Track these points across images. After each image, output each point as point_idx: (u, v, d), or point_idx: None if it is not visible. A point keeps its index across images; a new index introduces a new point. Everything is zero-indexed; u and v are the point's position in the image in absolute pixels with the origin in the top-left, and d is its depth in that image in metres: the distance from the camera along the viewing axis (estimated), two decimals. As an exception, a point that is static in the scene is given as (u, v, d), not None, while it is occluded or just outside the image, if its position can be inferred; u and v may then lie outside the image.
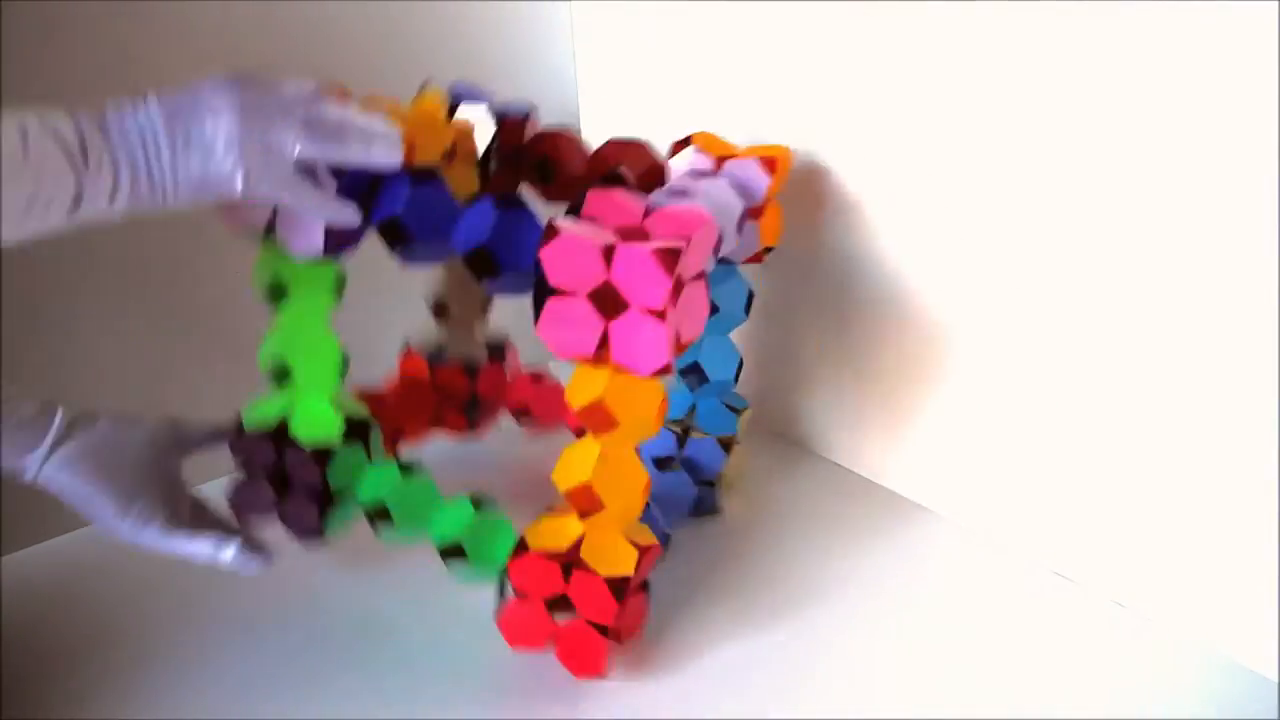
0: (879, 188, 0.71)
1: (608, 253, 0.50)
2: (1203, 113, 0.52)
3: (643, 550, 0.56)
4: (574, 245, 0.50)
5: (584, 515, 0.56)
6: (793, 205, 0.76)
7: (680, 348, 0.52)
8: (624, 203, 0.54)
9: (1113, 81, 0.56)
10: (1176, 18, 0.52)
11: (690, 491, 0.72)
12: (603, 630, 0.56)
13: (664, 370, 0.51)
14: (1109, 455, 0.62)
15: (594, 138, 0.98)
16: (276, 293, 0.60)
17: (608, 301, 0.50)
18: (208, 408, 0.63)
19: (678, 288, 0.50)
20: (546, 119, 0.87)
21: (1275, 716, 0.55)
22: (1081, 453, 0.63)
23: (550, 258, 0.50)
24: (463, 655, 0.62)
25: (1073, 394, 0.62)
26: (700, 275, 0.54)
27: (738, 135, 0.81)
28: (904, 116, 0.67)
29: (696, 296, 0.53)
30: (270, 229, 0.57)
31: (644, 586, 0.59)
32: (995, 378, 0.67)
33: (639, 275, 0.49)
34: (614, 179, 0.67)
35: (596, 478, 0.54)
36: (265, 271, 0.60)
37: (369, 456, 0.63)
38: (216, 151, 0.48)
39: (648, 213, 0.54)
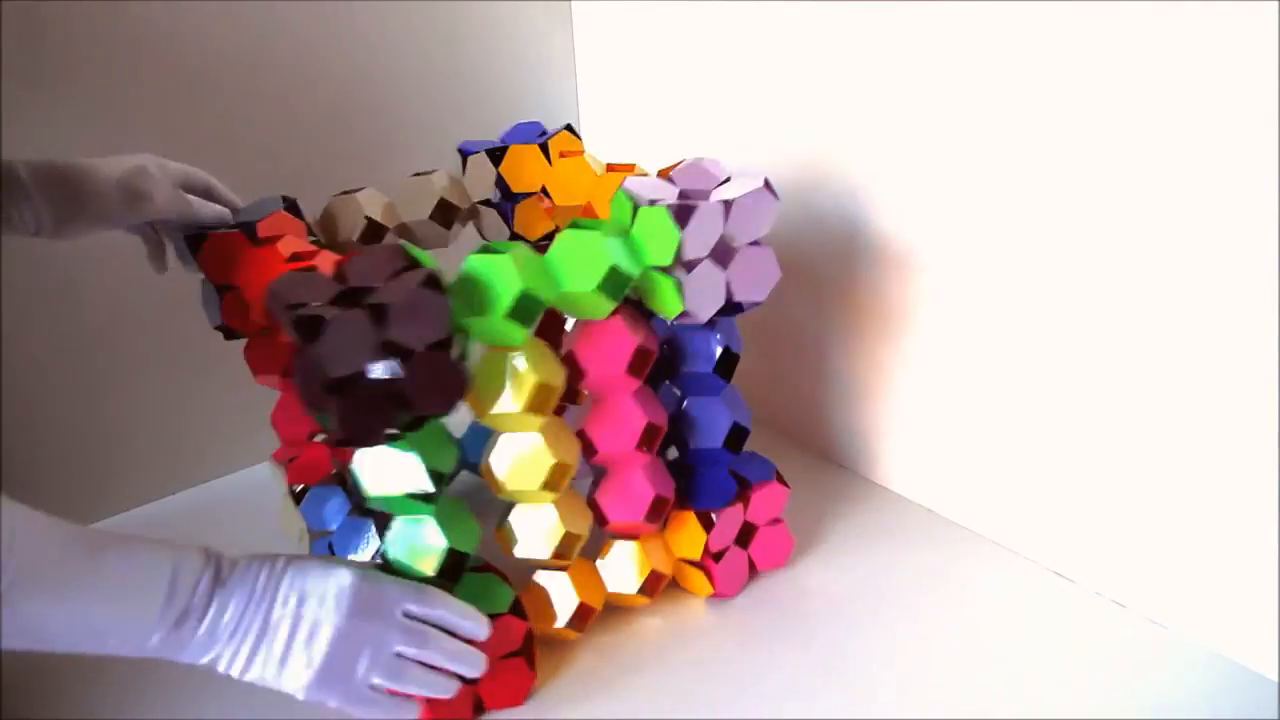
0: (880, 190, 0.71)
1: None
2: (1190, 104, 0.52)
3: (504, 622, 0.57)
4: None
5: None
6: (787, 207, 0.76)
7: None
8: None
9: (1097, 77, 0.56)
10: (1158, 18, 0.52)
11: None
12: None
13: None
14: (1109, 455, 0.62)
15: (594, 138, 0.98)
16: None
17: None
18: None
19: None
20: (547, 119, 0.88)
21: (1275, 717, 0.55)
22: (1082, 453, 0.63)
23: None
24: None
25: (1073, 394, 0.63)
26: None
27: (737, 136, 0.81)
28: (900, 118, 0.67)
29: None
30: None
31: (519, 654, 0.59)
32: (995, 377, 0.67)
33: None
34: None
35: None
36: None
37: None
38: (295, 665, 0.49)
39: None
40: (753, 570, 0.69)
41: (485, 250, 0.53)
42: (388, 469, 0.53)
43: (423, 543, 0.55)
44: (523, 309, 0.52)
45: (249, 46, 0.76)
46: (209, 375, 0.79)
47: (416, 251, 0.51)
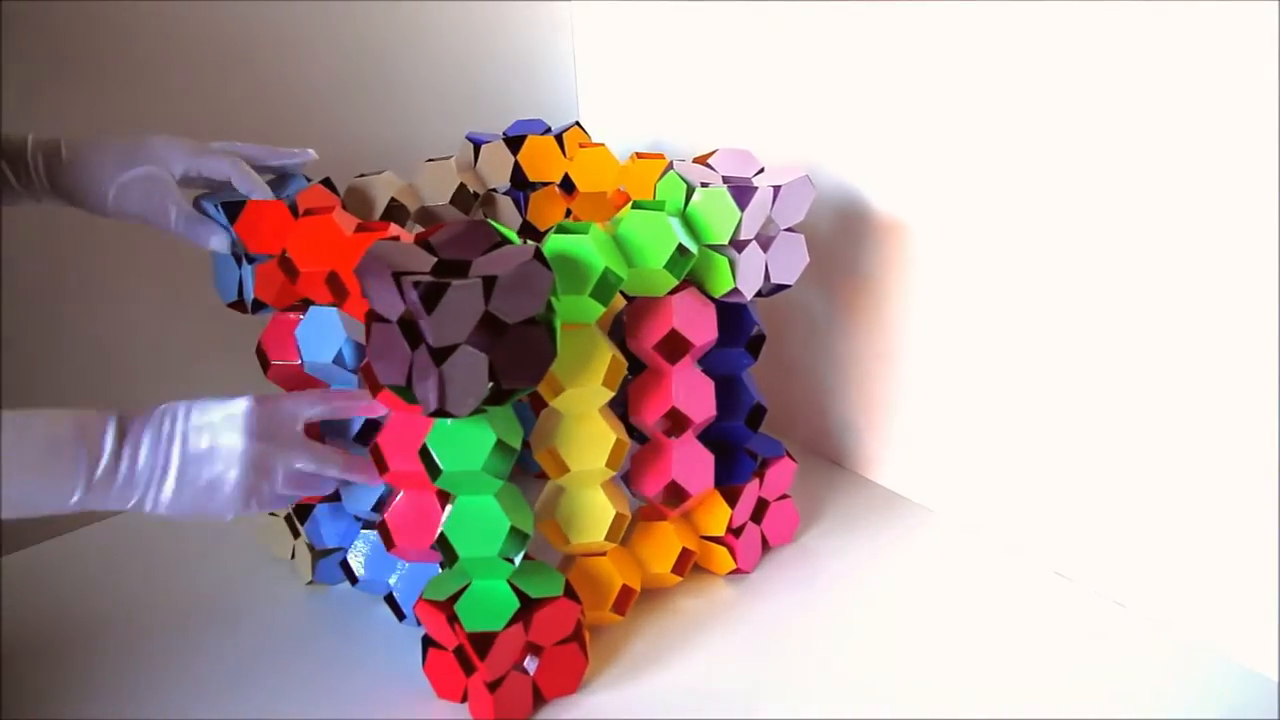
0: (876, 189, 0.71)
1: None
2: (1202, 110, 0.52)
3: (530, 602, 0.55)
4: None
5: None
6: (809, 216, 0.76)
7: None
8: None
9: (1108, 81, 0.56)
10: (1174, 18, 0.52)
11: None
12: (489, 685, 0.54)
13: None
14: (1109, 455, 0.62)
15: (594, 137, 0.98)
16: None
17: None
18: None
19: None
20: (547, 118, 0.88)
21: (1275, 717, 0.55)
22: (1082, 453, 0.63)
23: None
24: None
25: (1073, 394, 0.63)
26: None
27: (737, 133, 0.81)
28: (906, 119, 0.68)
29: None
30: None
31: (570, 638, 0.57)
32: (996, 377, 0.67)
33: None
34: None
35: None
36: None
37: None
38: (215, 494, 0.53)
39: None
40: (765, 546, 0.70)
41: (562, 230, 0.53)
42: (462, 444, 0.52)
43: (485, 522, 0.54)
44: (603, 287, 0.53)
45: (254, 43, 0.76)
46: (205, 378, 0.79)
47: (503, 228, 0.51)
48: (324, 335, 0.60)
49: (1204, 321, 0.55)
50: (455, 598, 0.55)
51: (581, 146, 0.76)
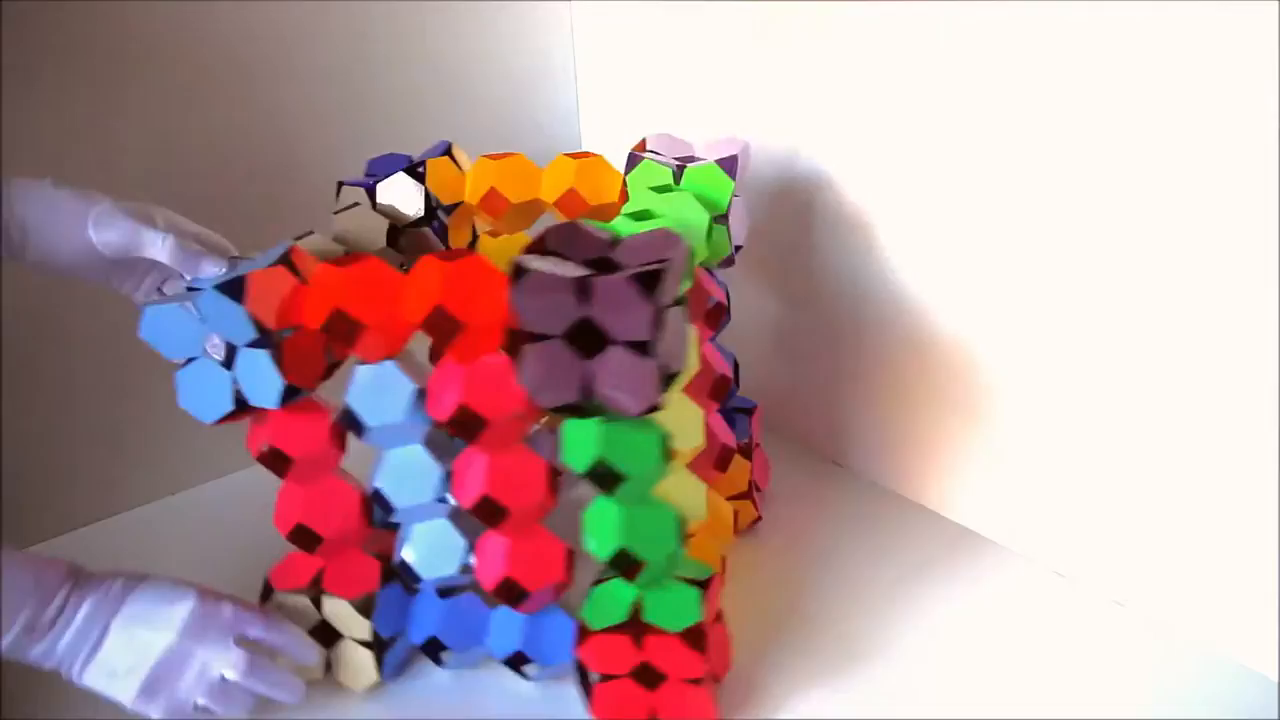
0: (888, 195, 0.71)
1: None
2: (1202, 112, 0.52)
3: (704, 587, 0.54)
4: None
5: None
6: (805, 213, 0.76)
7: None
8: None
9: (1105, 80, 0.56)
10: (1175, 19, 0.52)
11: None
12: (697, 682, 0.54)
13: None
14: (1108, 455, 0.62)
15: (594, 138, 0.98)
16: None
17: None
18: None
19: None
20: (547, 120, 0.88)
21: (1275, 717, 0.55)
22: (1081, 453, 0.63)
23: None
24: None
25: (1073, 395, 0.63)
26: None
27: (738, 134, 0.81)
28: (911, 120, 0.68)
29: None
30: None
31: (718, 616, 0.58)
32: (995, 377, 0.67)
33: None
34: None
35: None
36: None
37: None
38: (124, 679, 0.51)
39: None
40: (759, 489, 0.74)
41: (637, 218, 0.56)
42: (636, 445, 0.50)
43: (655, 518, 0.52)
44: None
45: (248, 47, 0.76)
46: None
47: (598, 224, 0.52)
48: (387, 390, 0.53)
49: (1203, 322, 0.55)
50: (635, 614, 0.53)
51: (497, 158, 0.69)
